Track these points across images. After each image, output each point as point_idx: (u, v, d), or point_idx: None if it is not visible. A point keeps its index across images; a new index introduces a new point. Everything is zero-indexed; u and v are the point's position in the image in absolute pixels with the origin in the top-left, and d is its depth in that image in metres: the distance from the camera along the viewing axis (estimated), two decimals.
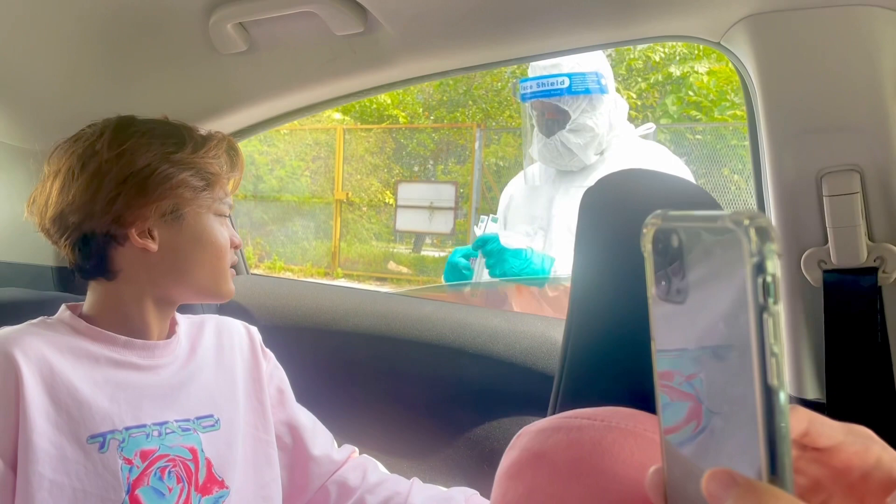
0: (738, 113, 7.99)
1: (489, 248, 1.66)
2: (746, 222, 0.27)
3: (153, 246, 0.85)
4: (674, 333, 0.32)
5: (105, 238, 0.85)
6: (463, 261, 1.74)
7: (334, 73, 1.03)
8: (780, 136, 0.80)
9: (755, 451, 0.28)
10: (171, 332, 0.93)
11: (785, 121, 0.79)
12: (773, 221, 0.84)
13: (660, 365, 0.33)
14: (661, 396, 0.33)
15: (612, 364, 0.51)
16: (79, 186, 0.83)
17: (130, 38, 1.00)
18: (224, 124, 1.19)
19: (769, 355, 0.27)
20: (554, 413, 0.54)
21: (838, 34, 0.74)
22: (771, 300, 0.27)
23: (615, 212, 0.55)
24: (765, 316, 0.27)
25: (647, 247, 0.32)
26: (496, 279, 1.69)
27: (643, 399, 0.47)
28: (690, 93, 8.59)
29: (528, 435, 0.45)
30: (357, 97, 1.09)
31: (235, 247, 0.93)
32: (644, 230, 0.32)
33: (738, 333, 0.28)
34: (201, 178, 0.88)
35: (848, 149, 0.76)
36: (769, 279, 0.27)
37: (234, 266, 0.93)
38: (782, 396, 0.27)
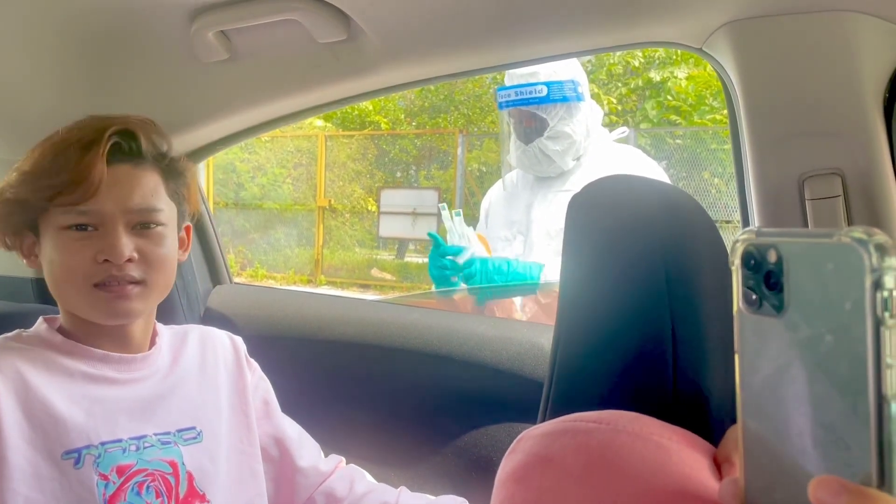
0: (718, 117, 8.08)
1: (472, 270, 1.66)
2: (866, 238, 0.29)
3: (34, 263, 0.85)
4: (766, 345, 0.33)
5: None
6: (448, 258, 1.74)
7: (317, 81, 1.02)
8: (763, 140, 0.81)
9: (864, 460, 0.29)
10: (152, 343, 0.91)
11: (767, 125, 0.80)
12: (756, 225, 0.85)
13: (747, 376, 0.34)
14: (746, 404, 0.34)
15: (604, 368, 0.51)
16: None
17: (111, 46, 0.99)
18: (206, 133, 1.18)
19: (885, 367, 0.29)
20: (545, 418, 0.54)
21: (819, 40, 0.75)
22: (888, 314, 0.29)
23: (603, 217, 0.55)
24: (882, 329, 0.29)
25: (735, 262, 0.34)
26: (487, 286, 1.70)
27: (636, 403, 0.47)
28: (670, 97, 8.67)
29: (532, 439, 0.45)
30: (340, 104, 1.08)
31: (105, 262, 0.79)
32: (735, 245, 0.34)
33: (850, 345, 0.30)
34: (34, 186, 0.80)
35: (830, 153, 0.77)
36: (886, 294, 0.29)
37: (131, 282, 0.81)
38: (894, 407, 0.29)
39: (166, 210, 0.86)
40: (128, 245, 0.80)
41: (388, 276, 9.24)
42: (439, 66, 0.98)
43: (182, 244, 0.93)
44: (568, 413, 0.47)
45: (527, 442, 0.46)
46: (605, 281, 0.53)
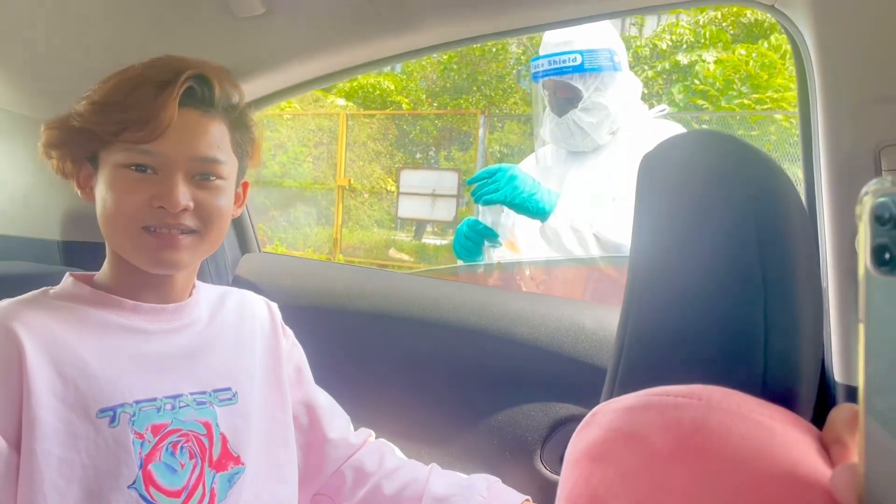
0: (745, 102, 7.92)
1: (498, 176, 1.59)
2: None
3: (89, 197, 0.82)
4: None
5: None
6: (477, 226, 1.68)
7: (356, 38, 0.97)
8: (837, 107, 0.75)
9: None
10: (189, 296, 0.88)
11: (842, 91, 0.74)
12: (825, 200, 0.80)
13: (874, 347, 0.30)
14: (871, 381, 0.30)
15: (686, 346, 0.46)
16: None
17: (144, 0, 0.95)
18: None
19: None
20: (613, 391, 0.50)
21: None
22: None
23: (683, 175, 0.50)
24: None
25: (864, 216, 0.30)
26: (509, 261, 1.65)
27: (721, 377, 0.43)
28: (697, 81, 8.51)
29: (612, 413, 0.41)
30: (380, 65, 1.03)
31: (160, 208, 0.77)
32: (863, 197, 0.30)
33: None
34: (101, 118, 0.77)
35: None
36: None
37: (184, 231, 0.79)
38: None
39: (228, 164, 0.83)
40: (185, 194, 0.77)
41: (406, 257, 9.22)
42: (485, 24, 0.92)
43: (238, 200, 0.90)
44: (642, 386, 0.42)
45: (605, 416, 0.41)
46: (690, 245, 0.48)
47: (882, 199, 0.29)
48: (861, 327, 0.30)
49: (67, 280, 0.84)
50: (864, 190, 0.30)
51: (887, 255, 0.29)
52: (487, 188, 1.58)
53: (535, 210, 1.56)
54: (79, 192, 0.84)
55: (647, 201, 0.51)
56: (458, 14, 0.92)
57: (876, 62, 0.72)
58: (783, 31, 0.82)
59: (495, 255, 1.70)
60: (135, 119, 0.75)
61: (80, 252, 1.23)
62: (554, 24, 0.92)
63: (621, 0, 0.85)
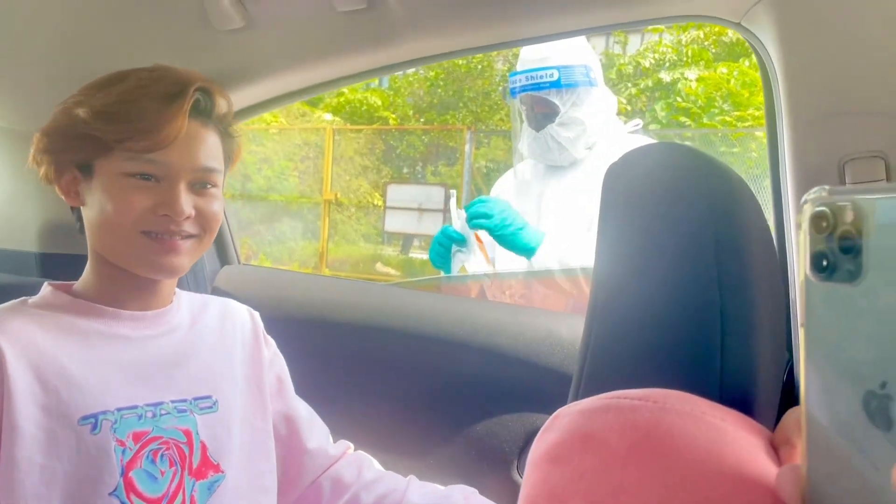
0: (727, 119, 8.03)
1: (491, 205, 1.61)
2: None
3: (75, 202, 0.82)
4: (837, 317, 0.30)
5: None
6: (452, 234, 1.70)
7: (336, 52, 0.99)
8: (802, 121, 0.77)
9: None
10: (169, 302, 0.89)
11: (807, 105, 0.76)
12: (791, 212, 0.81)
13: (813, 351, 0.31)
14: (811, 384, 0.31)
15: (646, 347, 0.47)
16: None
17: (125, 10, 0.95)
18: None
19: None
20: (577, 398, 0.51)
21: (864, 13, 0.72)
22: None
23: (645, 184, 0.51)
24: None
25: (804, 224, 0.31)
26: (484, 273, 1.67)
27: (679, 382, 0.44)
28: (679, 99, 8.62)
29: (571, 416, 0.42)
30: (359, 78, 1.05)
31: (164, 215, 0.78)
32: (804, 205, 0.31)
33: None
34: (107, 126, 0.77)
35: (873, 134, 0.73)
36: None
37: (183, 236, 0.80)
38: None
39: (222, 172, 0.86)
40: (188, 202, 0.80)
41: (393, 272, 9.22)
42: (463, 39, 0.94)
43: None
44: (604, 390, 0.43)
45: (564, 419, 0.42)
46: (650, 252, 0.49)
47: (820, 208, 0.30)
48: (802, 331, 0.31)
49: (46, 289, 0.84)
50: (803, 198, 0.31)
51: (825, 262, 0.30)
52: (479, 214, 1.60)
53: (521, 247, 1.59)
54: (63, 196, 0.84)
55: (610, 212, 0.52)
56: (436, 29, 0.94)
57: (839, 78, 0.74)
58: (750, 47, 0.84)
59: (462, 258, 1.72)
60: (144, 128, 0.77)
61: (57, 264, 1.23)
62: (532, 39, 0.94)
63: (595, 17, 0.87)
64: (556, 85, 1.67)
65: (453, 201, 1.78)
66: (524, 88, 1.71)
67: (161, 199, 0.78)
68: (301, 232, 9.92)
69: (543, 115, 1.71)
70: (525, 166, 1.88)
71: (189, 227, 0.81)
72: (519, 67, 1.73)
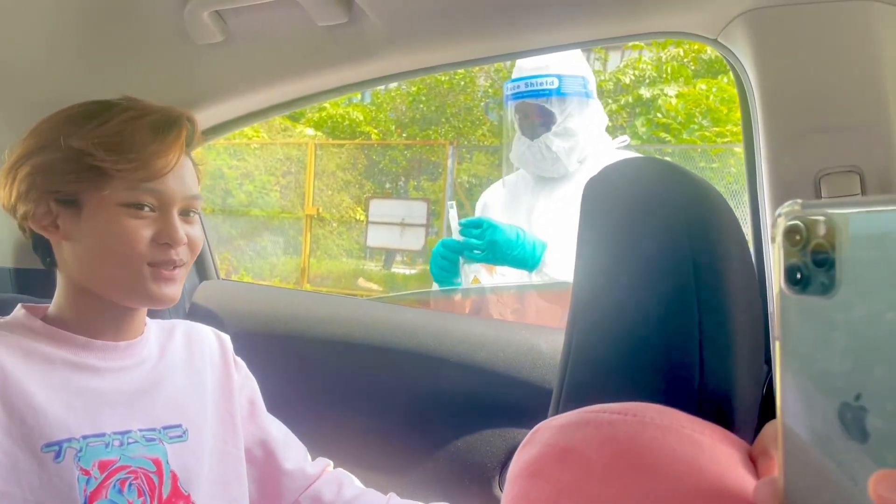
0: (706, 134, 8.13)
1: (483, 229, 1.61)
2: None
3: (55, 236, 0.81)
4: (811, 329, 0.30)
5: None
6: (451, 249, 1.69)
7: (316, 66, 0.99)
8: (778, 136, 0.78)
9: None
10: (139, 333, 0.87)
11: (783, 120, 0.77)
12: (768, 226, 0.82)
13: (788, 364, 0.31)
14: (787, 396, 0.31)
15: (625, 361, 0.47)
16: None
17: (104, 24, 0.95)
18: (198, 119, 1.14)
19: None
20: (557, 411, 0.50)
21: (838, 31, 0.73)
22: None
23: (624, 198, 0.52)
24: None
25: (777, 237, 0.31)
26: (482, 286, 1.66)
27: (658, 399, 0.44)
28: (659, 115, 8.72)
29: (550, 430, 0.41)
30: (340, 92, 1.04)
31: (164, 244, 0.79)
32: (777, 218, 0.31)
33: None
34: (110, 156, 0.77)
35: (847, 149, 0.74)
36: None
37: (179, 266, 0.81)
38: None
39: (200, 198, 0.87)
40: (181, 229, 0.81)
41: (375, 287, 9.18)
42: (443, 54, 0.95)
43: None
44: (583, 405, 0.43)
45: (543, 433, 0.42)
46: (628, 266, 0.49)
47: (793, 222, 0.30)
48: (777, 344, 0.31)
49: (19, 311, 0.83)
50: (777, 212, 0.31)
51: (799, 276, 0.30)
52: (472, 245, 1.61)
53: (518, 266, 1.60)
54: (40, 231, 0.81)
55: (589, 225, 0.52)
56: (417, 44, 0.94)
57: (814, 94, 0.75)
58: (727, 64, 0.85)
59: (471, 270, 1.71)
60: (146, 158, 0.78)
61: (32, 279, 1.21)
62: (511, 55, 0.95)
63: (574, 33, 0.87)
64: (556, 93, 1.68)
65: (453, 213, 1.76)
66: (524, 94, 1.71)
67: (159, 228, 0.79)
68: (282, 247, 9.86)
69: (539, 124, 1.71)
70: (514, 177, 1.87)
71: (183, 255, 0.82)
72: (516, 75, 1.74)
